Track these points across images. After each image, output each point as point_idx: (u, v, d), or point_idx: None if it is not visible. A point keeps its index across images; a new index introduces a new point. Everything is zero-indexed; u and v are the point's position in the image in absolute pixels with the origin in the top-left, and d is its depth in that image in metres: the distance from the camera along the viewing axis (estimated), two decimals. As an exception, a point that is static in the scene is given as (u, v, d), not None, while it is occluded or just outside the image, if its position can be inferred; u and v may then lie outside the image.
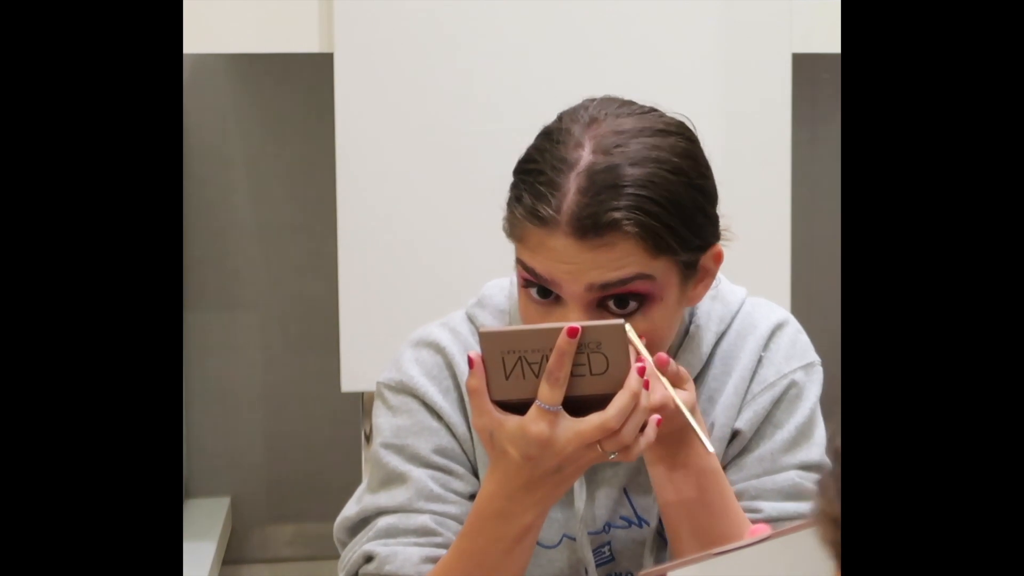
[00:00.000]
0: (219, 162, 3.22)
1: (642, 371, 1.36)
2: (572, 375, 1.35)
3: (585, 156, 1.45)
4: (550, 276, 1.45)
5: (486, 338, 1.35)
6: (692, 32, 2.76)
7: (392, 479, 1.55)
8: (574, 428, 1.36)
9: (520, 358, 1.35)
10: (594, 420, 1.35)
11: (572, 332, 1.34)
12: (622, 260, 1.44)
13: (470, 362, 1.36)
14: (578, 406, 1.35)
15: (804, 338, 1.62)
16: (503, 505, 1.41)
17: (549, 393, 1.35)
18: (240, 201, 3.24)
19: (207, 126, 3.20)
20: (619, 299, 1.45)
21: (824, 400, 1.61)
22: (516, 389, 1.36)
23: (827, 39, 2.78)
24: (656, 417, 1.38)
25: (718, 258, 1.52)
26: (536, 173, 1.47)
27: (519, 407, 1.36)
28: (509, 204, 1.50)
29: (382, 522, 1.54)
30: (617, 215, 1.43)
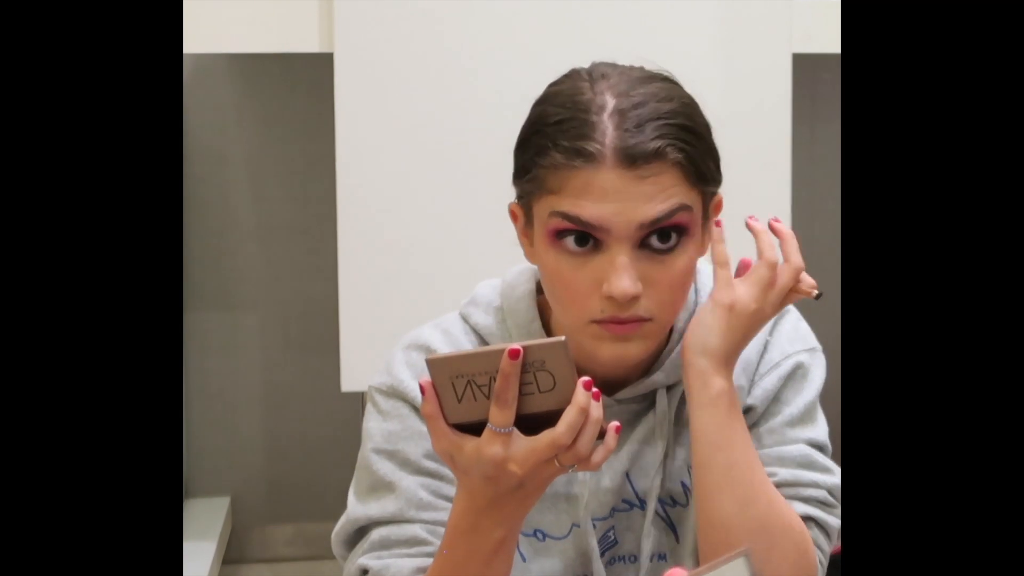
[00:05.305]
0: (219, 162, 3.22)
1: (588, 385, 1.37)
2: (522, 394, 1.36)
3: (610, 99, 1.48)
4: (599, 219, 1.45)
5: (433, 364, 1.36)
6: (692, 32, 2.76)
7: (381, 487, 1.56)
8: (528, 446, 1.37)
9: (469, 382, 1.36)
10: (545, 438, 1.37)
11: (513, 354, 1.34)
12: (669, 191, 1.46)
13: (421, 389, 1.37)
14: (534, 423, 1.37)
15: (805, 326, 1.64)
16: (474, 521, 1.42)
17: (499, 415, 1.36)
18: (240, 201, 3.24)
19: (207, 126, 3.20)
20: (662, 234, 1.47)
21: (823, 394, 1.61)
22: (469, 411, 1.37)
23: (827, 39, 2.78)
24: (615, 424, 1.39)
25: (718, 207, 1.54)
26: (563, 121, 1.48)
27: (477, 427, 1.37)
28: (534, 159, 1.49)
29: (375, 534, 1.55)
30: (661, 143, 1.45)
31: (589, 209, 1.45)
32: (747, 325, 1.50)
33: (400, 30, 2.73)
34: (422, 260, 2.76)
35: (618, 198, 1.45)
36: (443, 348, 1.58)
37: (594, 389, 1.37)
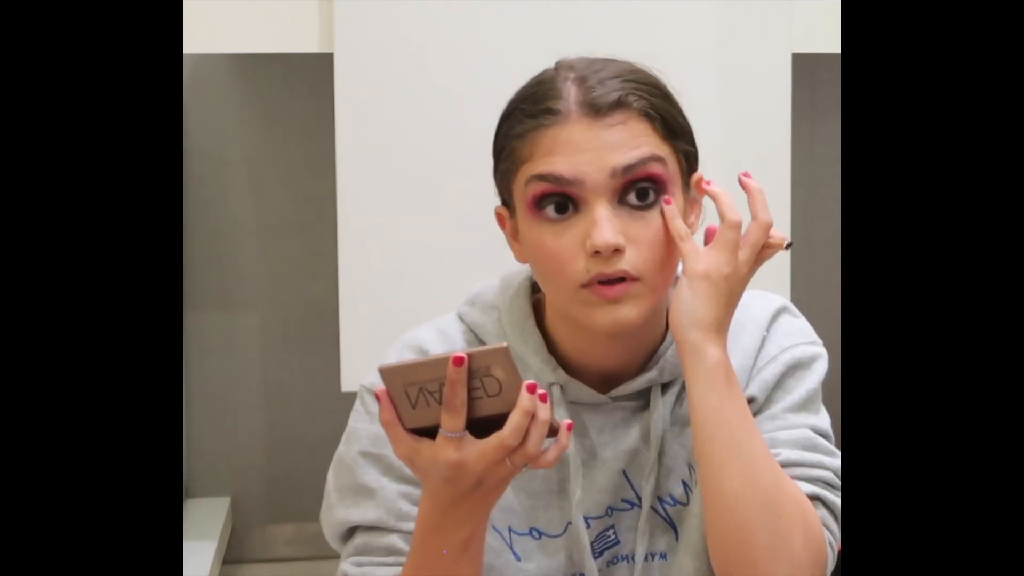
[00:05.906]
0: (219, 162, 3.22)
1: (532, 388, 1.39)
2: (472, 398, 1.40)
3: (572, 74, 1.52)
4: (572, 172, 1.48)
5: (385, 373, 1.40)
6: (692, 32, 2.77)
7: (363, 492, 1.58)
8: (479, 449, 1.40)
9: (421, 389, 1.40)
10: (493, 441, 1.40)
11: (458, 361, 1.38)
12: (637, 139, 1.49)
13: (377, 398, 1.40)
14: (486, 425, 1.41)
15: (805, 323, 1.64)
16: (439, 520, 1.46)
17: (449, 420, 1.40)
18: (240, 201, 3.24)
19: (207, 126, 3.20)
20: (639, 189, 1.49)
21: (824, 393, 1.61)
22: (424, 417, 1.41)
23: (827, 39, 2.78)
24: (567, 422, 1.42)
25: (699, 185, 1.56)
26: (528, 96, 1.53)
27: (433, 431, 1.41)
28: (506, 136, 1.55)
29: (358, 539, 1.59)
30: (622, 93, 1.50)
31: (561, 164, 1.48)
32: (727, 289, 1.50)
33: (400, 30, 2.73)
34: (422, 260, 2.76)
35: (588, 147, 1.48)
36: (438, 348, 1.60)
37: (540, 391, 1.39)
